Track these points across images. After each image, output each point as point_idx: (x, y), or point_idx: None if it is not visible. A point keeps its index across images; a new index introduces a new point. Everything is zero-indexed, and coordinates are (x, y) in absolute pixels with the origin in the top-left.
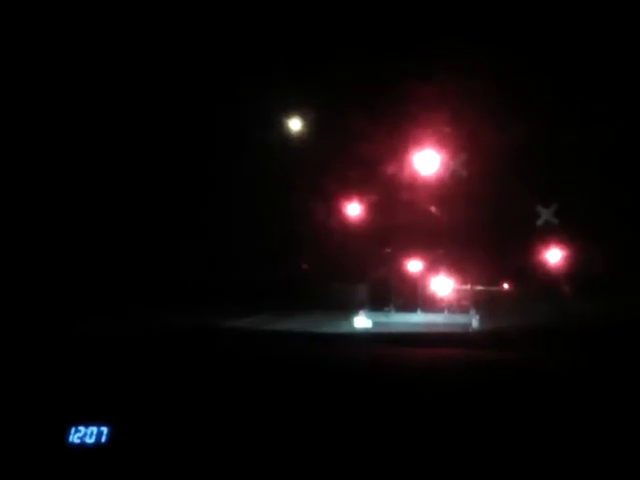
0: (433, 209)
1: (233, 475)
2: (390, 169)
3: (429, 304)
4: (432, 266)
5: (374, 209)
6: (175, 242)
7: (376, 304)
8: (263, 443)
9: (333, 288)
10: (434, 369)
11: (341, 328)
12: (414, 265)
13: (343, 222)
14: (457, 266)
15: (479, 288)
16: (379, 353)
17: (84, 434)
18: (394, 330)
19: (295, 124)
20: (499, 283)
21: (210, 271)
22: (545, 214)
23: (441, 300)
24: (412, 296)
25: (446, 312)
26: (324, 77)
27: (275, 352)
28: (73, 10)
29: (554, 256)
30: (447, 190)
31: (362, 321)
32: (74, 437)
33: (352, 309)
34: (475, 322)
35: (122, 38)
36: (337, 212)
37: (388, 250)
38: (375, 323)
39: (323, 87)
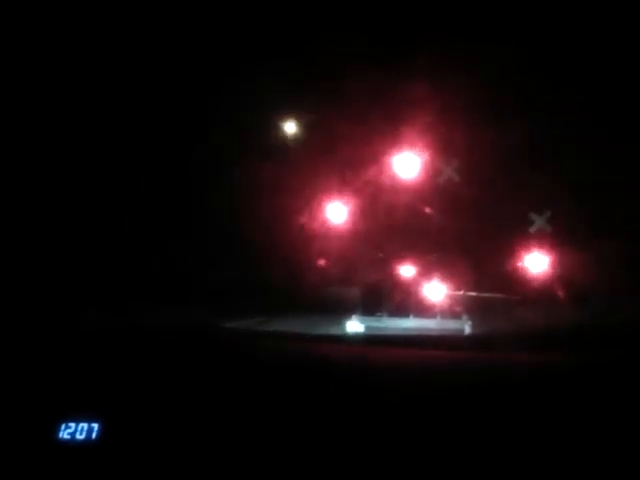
0: (427, 215)
1: (228, 473)
2: (384, 173)
3: (422, 309)
4: (425, 271)
5: (367, 213)
6: (169, 241)
7: (368, 309)
8: (259, 441)
9: (325, 292)
10: (426, 370)
11: (333, 333)
12: (407, 270)
13: (336, 226)
14: (450, 272)
15: (472, 294)
16: (372, 353)
17: (74, 430)
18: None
19: (290, 126)
20: (492, 289)
21: (202, 272)
22: (538, 221)
23: (434, 306)
24: (405, 301)
25: (439, 318)
26: (314, 75)
27: (271, 351)
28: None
29: (548, 263)
30: (441, 196)
31: (354, 326)
32: (64, 433)
33: (344, 314)
34: (467, 328)
35: (114, 35)
36: (330, 216)
37: (381, 255)
38: (367, 328)
39: (315, 86)
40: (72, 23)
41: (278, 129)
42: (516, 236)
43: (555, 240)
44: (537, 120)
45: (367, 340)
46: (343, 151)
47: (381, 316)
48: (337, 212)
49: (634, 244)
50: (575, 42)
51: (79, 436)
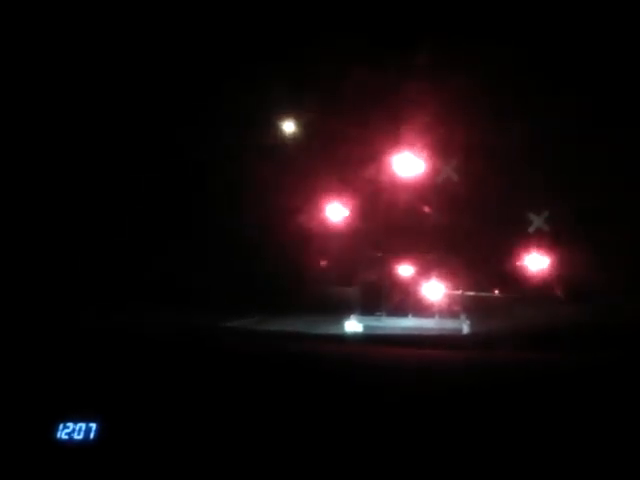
0: (426, 214)
1: (227, 472)
2: (384, 173)
3: (420, 309)
4: (424, 271)
5: (367, 213)
6: (169, 241)
7: (367, 308)
8: (258, 441)
9: (324, 291)
10: (424, 369)
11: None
12: (406, 270)
13: (335, 225)
14: (448, 271)
15: (470, 293)
16: (371, 352)
17: (72, 430)
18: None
19: (289, 126)
20: (490, 288)
21: (202, 272)
22: (536, 221)
23: (432, 305)
24: (403, 301)
25: (437, 317)
26: (314, 75)
27: (269, 351)
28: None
29: (545, 262)
30: (439, 195)
31: (353, 325)
32: (62, 433)
33: (343, 313)
34: (466, 327)
35: (116, 36)
36: (329, 215)
37: (380, 254)
38: (366, 327)
39: (314, 86)
40: (73, 24)
41: (277, 128)
42: (514, 236)
43: (553, 240)
44: (536, 120)
45: (366, 339)
46: (343, 151)
47: (380, 315)
48: (336, 211)
49: (633, 244)
50: (575, 42)
51: (77, 436)
